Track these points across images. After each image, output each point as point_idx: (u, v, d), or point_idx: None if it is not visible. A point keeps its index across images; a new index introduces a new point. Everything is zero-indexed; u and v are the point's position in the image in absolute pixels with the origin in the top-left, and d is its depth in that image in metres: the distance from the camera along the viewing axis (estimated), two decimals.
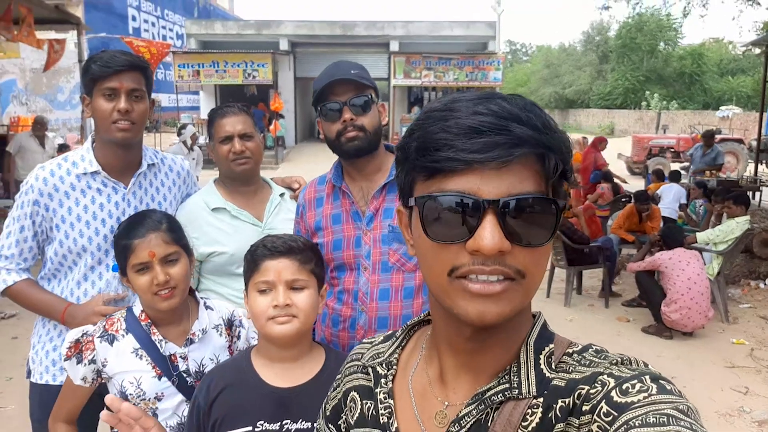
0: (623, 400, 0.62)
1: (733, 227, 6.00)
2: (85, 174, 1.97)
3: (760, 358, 4.87)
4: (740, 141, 17.66)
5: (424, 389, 0.81)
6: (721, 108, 29.98)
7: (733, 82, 38.26)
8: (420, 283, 1.89)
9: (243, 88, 20.87)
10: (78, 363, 1.59)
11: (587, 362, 0.71)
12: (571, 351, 0.74)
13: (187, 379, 1.63)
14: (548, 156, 0.66)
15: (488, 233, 0.64)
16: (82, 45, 8.97)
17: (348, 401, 0.90)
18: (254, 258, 1.46)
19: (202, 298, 1.79)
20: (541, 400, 0.70)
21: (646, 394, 0.62)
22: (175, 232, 1.68)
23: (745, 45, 12.27)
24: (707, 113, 30.65)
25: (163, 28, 27.44)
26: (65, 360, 1.60)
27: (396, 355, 0.88)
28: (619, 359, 0.70)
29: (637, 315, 5.92)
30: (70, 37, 9.76)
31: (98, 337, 1.61)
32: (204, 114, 21.58)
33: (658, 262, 5.36)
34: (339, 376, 0.97)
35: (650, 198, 7.68)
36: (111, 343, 1.61)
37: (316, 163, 16.12)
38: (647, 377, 0.64)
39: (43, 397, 1.98)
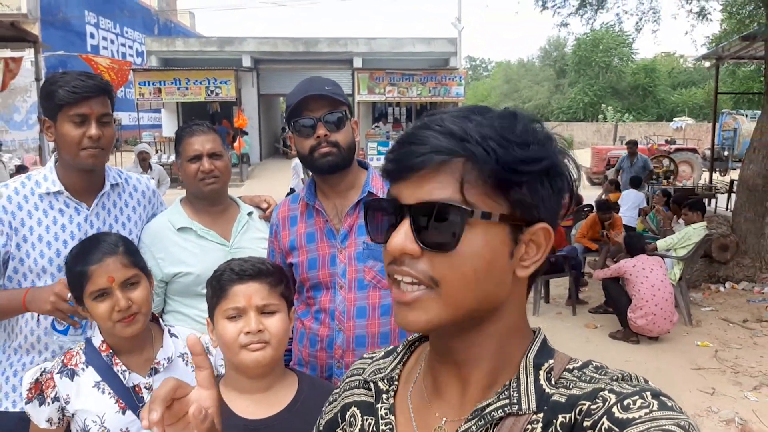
0: (625, 416, 0.62)
1: (690, 233, 6.19)
2: (47, 194, 1.92)
3: (724, 359, 5.01)
4: (694, 150, 18.27)
5: (422, 404, 0.81)
6: (674, 119, 31.01)
7: (685, 94, 39.66)
8: None
9: (206, 106, 20.65)
10: (41, 404, 1.51)
11: (588, 378, 0.71)
12: (571, 367, 0.73)
13: None
14: (465, 164, 0.67)
15: (396, 235, 0.69)
16: (39, 63, 8.76)
17: (347, 416, 0.89)
18: (221, 284, 1.39)
19: (166, 325, 1.73)
20: (540, 415, 0.69)
21: (647, 410, 0.62)
22: (132, 254, 1.61)
23: (697, 59, 12.75)
24: (661, 124, 31.63)
25: (123, 45, 27.02)
26: (27, 403, 1.51)
27: (397, 371, 0.87)
28: (619, 375, 0.70)
29: (604, 321, 6.03)
30: (27, 55, 9.53)
31: (57, 372, 1.53)
32: (166, 132, 21.27)
33: (623, 270, 5.47)
34: (337, 391, 0.95)
35: (611, 207, 7.87)
36: (71, 378, 1.53)
37: (281, 180, 16.03)
38: (648, 393, 0.64)
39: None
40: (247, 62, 20.77)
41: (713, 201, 11.78)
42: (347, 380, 0.94)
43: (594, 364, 0.74)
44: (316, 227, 1.91)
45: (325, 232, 1.89)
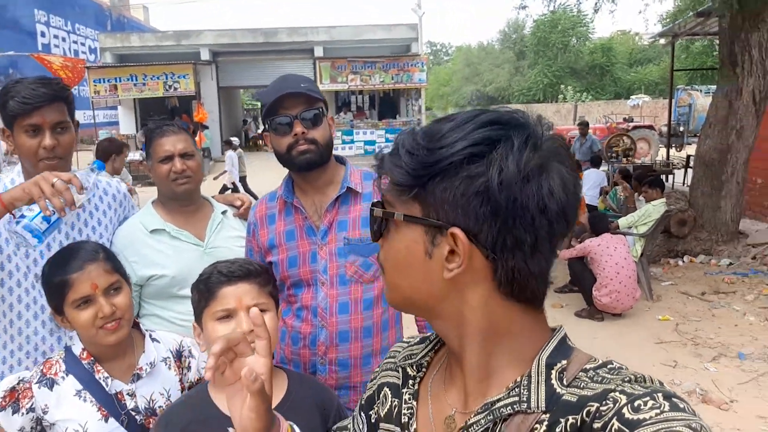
0: (635, 417, 0.62)
1: (651, 210, 6.39)
2: None
3: (685, 332, 5.20)
4: (651, 127, 18.73)
5: (440, 393, 0.85)
6: (631, 97, 31.63)
7: (641, 72, 40.45)
8: (378, 293, 1.91)
9: (164, 101, 20.26)
10: (14, 413, 1.48)
11: (600, 379, 0.71)
12: (587, 367, 0.74)
13: (137, 417, 1.55)
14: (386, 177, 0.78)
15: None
16: None
17: (381, 395, 0.94)
18: (209, 286, 1.39)
19: (147, 330, 1.73)
20: (549, 416, 0.70)
21: (658, 411, 0.62)
22: (113, 260, 1.62)
23: (653, 36, 13.04)
24: (619, 102, 32.27)
25: (75, 43, 26.18)
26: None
27: (428, 358, 0.90)
28: (632, 377, 0.70)
29: (569, 300, 6.19)
30: None
31: (36, 382, 1.51)
32: (123, 130, 20.79)
33: (588, 249, 5.63)
34: (377, 369, 1.01)
35: None
36: (51, 387, 1.51)
37: (249, 173, 15.80)
38: (660, 395, 0.64)
39: None
40: (205, 55, 20.39)
41: (671, 177, 12.12)
42: (385, 361, 0.99)
43: (611, 365, 0.74)
44: (296, 224, 1.92)
45: (305, 229, 1.91)
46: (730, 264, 7.00)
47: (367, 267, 1.89)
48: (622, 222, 6.42)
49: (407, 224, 0.76)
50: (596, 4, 9.17)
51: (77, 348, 1.58)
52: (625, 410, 0.63)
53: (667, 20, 16.82)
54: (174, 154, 2.08)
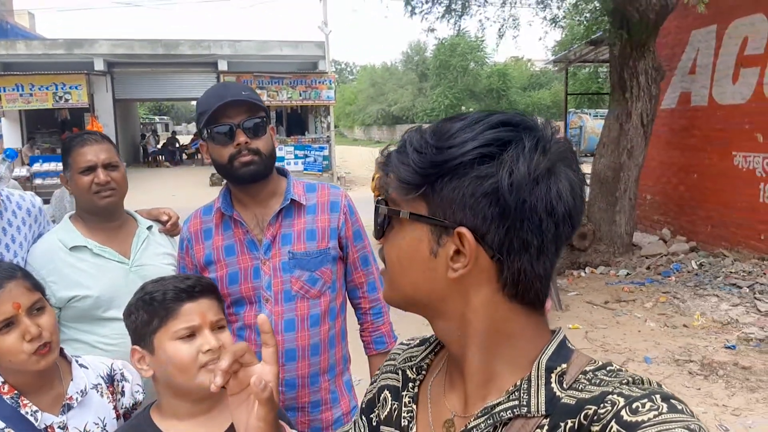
0: (633, 419, 0.62)
1: None
2: None
3: (594, 339, 5.48)
4: None
5: (440, 396, 0.84)
6: None
7: (534, 96, 42.92)
8: (325, 308, 1.84)
9: (54, 113, 18.92)
10: None
11: (598, 381, 0.71)
12: (587, 369, 0.74)
13: None
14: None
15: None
16: None
17: (381, 398, 0.93)
18: (165, 304, 1.29)
19: (73, 356, 1.57)
20: (548, 419, 0.70)
21: (656, 413, 0.62)
22: (32, 278, 1.46)
23: (549, 62, 13.87)
24: None
25: None
26: None
27: (428, 360, 0.90)
28: (630, 379, 0.70)
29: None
30: None
31: None
32: (7, 143, 19.18)
33: None
34: (378, 372, 0.99)
35: None
36: None
37: (145, 190, 15.12)
38: (658, 396, 0.65)
39: None
40: (99, 66, 19.27)
41: None
42: (386, 364, 0.98)
43: (610, 367, 0.74)
44: (236, 239, 1.82)
45: (246, 243, 1.81)
46: (628, 274, 7.49)
47: (313, 282, 1.83)
48: None
49: (412, 223, 0.76)
50: (500, 29, 9.64)
51: None
52: (623, 412, 0.64)
53: (557, 48, 17.98)
54: (97, 165, 1.93)
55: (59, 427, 1.42)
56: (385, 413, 0.90)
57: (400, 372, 0.91)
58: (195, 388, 1.28)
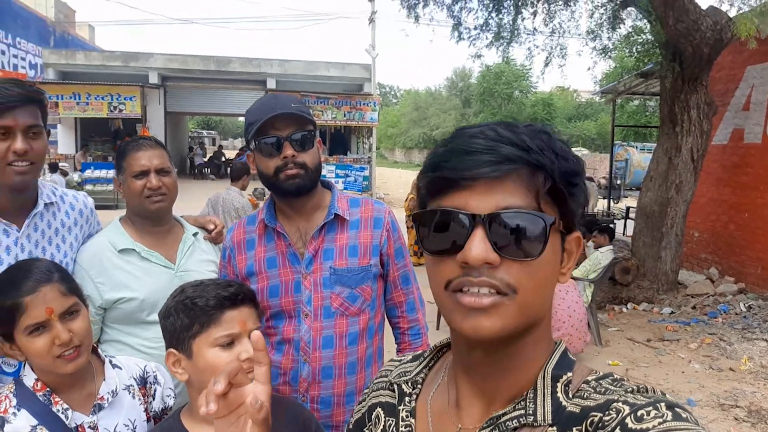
0: (638, 427, 0.62)
1: (599, 257, 6.55)
2: None
3: (635, 377, 5.27)
4: (591, 179, 19.48)
5: (442, 411, 0.82)
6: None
7: (579, 126, 42.44)
8: (364, 326, 1.81)
9: (107, 122, 19.59)
10: None
11: (603, 390, 0.71)
12: (589, 379, 0.74)
13: None
14: (537, 173, 0.70)
15: (475, 244, 0.68)
16: None
17: (372, 417, 0.91)
18: (207, 310, 1.28)
19: (107, 356, 1.58)
20: (555, 428, 0.70)
21: (661, 420, 0.62)
22: (69, 281, 1.46)
23: (596, 93, 13.70)
24: None
25: (15, 57, 25.12)
26: None
27: (422, 375, 0.88)
28: (635, 387, 0.70)
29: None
30: None
31: None
32: (62, 149, 19.96)
33: None
34: (366, 391, 0.97)
35: None
36: (2, 427, 1.34)
37: (189, 200, 15.44)
38: (662, 404, 0.65)
39: None
40: (154, 79, 19.94)
41: (611, 227, 12.59)
42: (375, 381, 0.96)
43: (612, 376, 0.74)
44: (278, 251, 1.81)
45: (288, 256, 1.80)
46: (672, 312, 7.24)
47: (353, 299, 1.80)
48: (577, 274, 6.53)
49: (554, 234, 0.72)
50: (547, 58, 9.58)
51: (29, 379, 1.41)
52: (628, 420, 0.64)
53: (603, 81, 17.78)
54: (150, 170, 1.96)
55: (89, 426, 1.42)
56: (379, 430, 0.88)
57: (395, 387, 0.89)
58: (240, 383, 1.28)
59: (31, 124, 1.68)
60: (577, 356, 5.68)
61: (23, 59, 25.93)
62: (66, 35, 29.96)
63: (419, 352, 0.95)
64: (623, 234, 12.25)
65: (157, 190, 1.95)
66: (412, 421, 0.83)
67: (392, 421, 0.86)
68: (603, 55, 8.85)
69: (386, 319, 1.98)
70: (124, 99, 18.28)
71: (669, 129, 7.77)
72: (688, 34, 6.77)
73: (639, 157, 21.04)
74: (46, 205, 1.85)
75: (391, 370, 0.94)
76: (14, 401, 1.38)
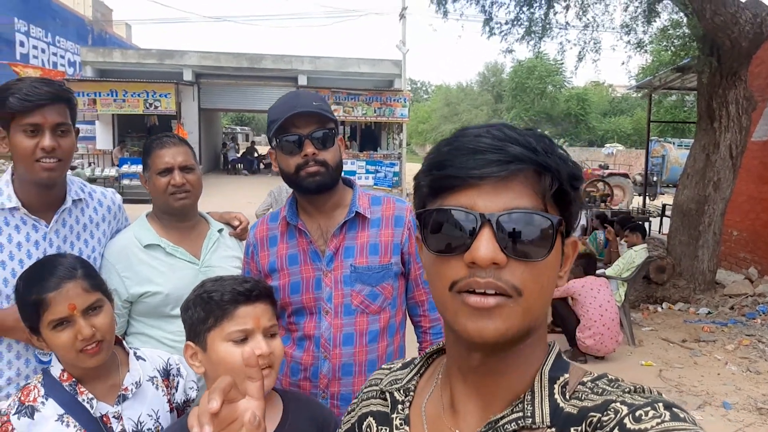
0: (636, 427, 0.62)
1: (633, 256, 6.42)
2: (2, 209, 1.76)
3: (669, 378, 5.16)
4: (626, 175, 19.13)
5: (437, 416, 0.81)
6: (606, 145, 32.48)
7: (614, 122, 41.63)
8: (384, 325, 1.81)
9: (143, 119, 20.02)
10: None
11: (600, 390, 0.71)
12: (585, 380, 0.74)
13: None
14: (544, 175, 0.69)
15: (483, 244, 0.67)
16: None
17: (364, 426, 0.89)
18: (222, 304, 1.29)
19: (131, 348, 1.61)
20: (554, 429, 0.70)
21: (659, 421, 0.62)
22: (92, 277, 1.49)
23: (631, 88, 13.42)
24: (593, 150, 33.09)
25: (54, 54, 25.85)
26: None
27: (414, 382, 0.87)
28: (632, 387, 0.70)
29: (550, 341, 6.11)
30: None
31: (15, 413, 1.38)
32: (100, 145, 20.46)
33: (572, 290, 5.60)
34: (355, 401, 0.95)
35: None
36: (31, 416, 1.37)
37: (223, 195, 15.68)
38: (660, 404, 0.64)
39: None
40: (188, 76, 20.28)
41: (647, 224, 12.33)
42: (365, 390, 0.95)
43: (608, 376, 0.74)
44: (299, 248, 1.82)
45: (309, 253, 1.80)
46: (709, 313, 7.05)
47: (374, 297, 1.79)
48: (610, 273, 6.41)
49: (558, 234, 0.72)
50: (580, 53, 9.41)
51: (56, 369, 1.45)
52: (626, 420, 0.63)
53: (640, 75, 17.38)
54: (174, 167, 1.98)
55: (114, 416, 1.45)
56: None
57: (387, 395, 0.88)
58: (243, 392, 1.28)
59: (60, 122, 1.72)
60: (610, 356, 5.58)
61: (62, 57, 26.63)
62: (104, 33, 30.67)
63: (409, 359, 0.94)
64: (659, 232, 11.98)
65: (181, 186, 1.98)
66: (407, 428, 0.82)
67: (386, 429, 0.85)
68: (638, 49, 8.64)
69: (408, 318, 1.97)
70: (160, 96, 18.65)
71: (706, 125, 7.55)
72: (726, 27, 6.55)
73: (676, 154, 20.51)
74: (74, 201, 1.89)
75: (381, 379, 0.93)
76: (42, 391, 1.42)
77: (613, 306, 5.49)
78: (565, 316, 5.74)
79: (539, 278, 0.70)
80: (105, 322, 1.44)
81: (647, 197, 16.45)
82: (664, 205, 12.39)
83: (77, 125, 1.87)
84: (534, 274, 0.69)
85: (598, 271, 6.29)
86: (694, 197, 7.62)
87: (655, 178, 19.14)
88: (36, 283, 1.40)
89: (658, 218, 12.62)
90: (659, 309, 7.33)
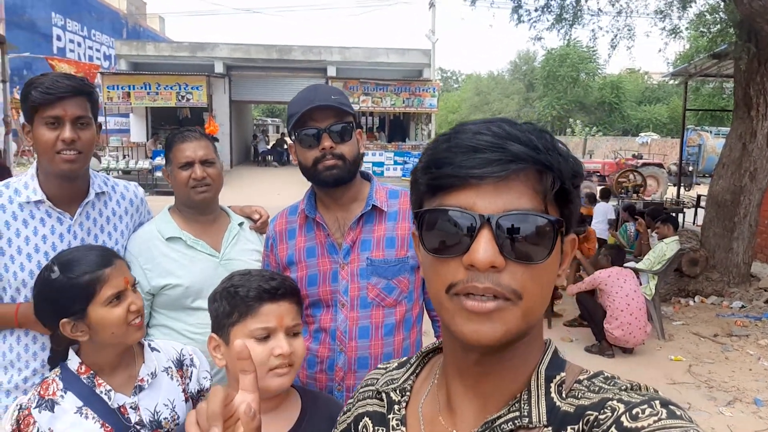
0: (633, 425, 0.62)
1: (664, 249, 6.29)
2: (27, 203, 1.82)
3: (698, 374, 5.07)
4: (660, 165, 18.72)
5: (434, 416, 0.80)
6: (640, 134, 31.77)
7: (649, 110, 40.64)
8: (400, 318, 1.81)
9: (176, 111, 20.36)
10: None
11: (596, 388, 0.71)
12: (581, 378, 0.74)
13: (142, 431, 1.47)
14: (545, 174, 0.67)
15: (482, 247, 0.65)
16: (5, 64, 8.48)
17: (360, 427, 0.89)
18: (247, 300, 1.30)
19: (145, 339, 1.65)
20: (550, 429, 0.69)
21: (656, 419, 0.62)
22: (125, 259, 1.60)
23: (666, 75, 13.07)
24: (627, 139, 32.39)
25: (90, 48, 26.45)
26: None
27: (410, 382, 0.87)
28: (628, 385, 0.70)
29: (579, 335, 6.06)
30: None
31: (35, 407, 1.41)
32: (134, 137, 20.87)
33: (598, 281, 5.52)
34: (351, 401, 0.95)
35: (584, 220, 7.96)
36: (52, 409, 1.41)
37: (253, 186, 15.87)
38: (657, 402, 0.64)
39: None
40: (219, 68, 20.53)
41: (681, 216, 12.05)
42: (361, 390, 0.94)
43: (604, 374, 0.74)
44: (317, 241, 1.83)
45: (327, 246, 1.82)
46: (743, 307, 6.88)
47: (389, 290, 1.80)
48: (641, 266, 6.29)
49: (558, 235, 0.71)
50: (613, 40, 9.19)
51: (74, 363, 1.49)
52: (623, 418, 0.63)
53: (678, 62, 16.90)
54: (194, 161, 2.02)
55: (131, 407, 1.49)
56: None
57: (383, 395, 0.87)
58: (261, 389, 1.30)
59: (80, 115, 1.77)
60: (638, 350, 5.49)
61: (98, 51, 27.20)
62: (138, 27, 31.20)
63: (404, 358, 0.93)
64: (693, 224, 11.70)
65: (202, 180, 2.01)
66: (403, 429, 0.82)
67: (382, 430, 0.84)
68: (673, 35, 8.40)
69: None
70: (191, 88, 18.95)
71: (743, 113, 7.34)
72: (765, 12, 6.33)
73: (713, 143, 19.96)
74: (97, 194, 1.94)
75: (377, 379, 0.92)
76: (61, 384, 1.45)
77: (639, 296, 5.41)
78: (591, 310, 5.67)
79: (539, 280, 0.68)
80: (141, 300, 1.54)
81: (683, 188, 16.08)
82: (698, 196, 12.08)
83: (99, 119, 1.92)
84: (534, 276, 0.68)
85: (627, 264, 6.18)
86: (729, 187, 7.42)
87: (690, 168, 18.68)
88: (85, 266, 1.45)
89: (692, 209, 12.33)
90: (691, 302, 7.17)
